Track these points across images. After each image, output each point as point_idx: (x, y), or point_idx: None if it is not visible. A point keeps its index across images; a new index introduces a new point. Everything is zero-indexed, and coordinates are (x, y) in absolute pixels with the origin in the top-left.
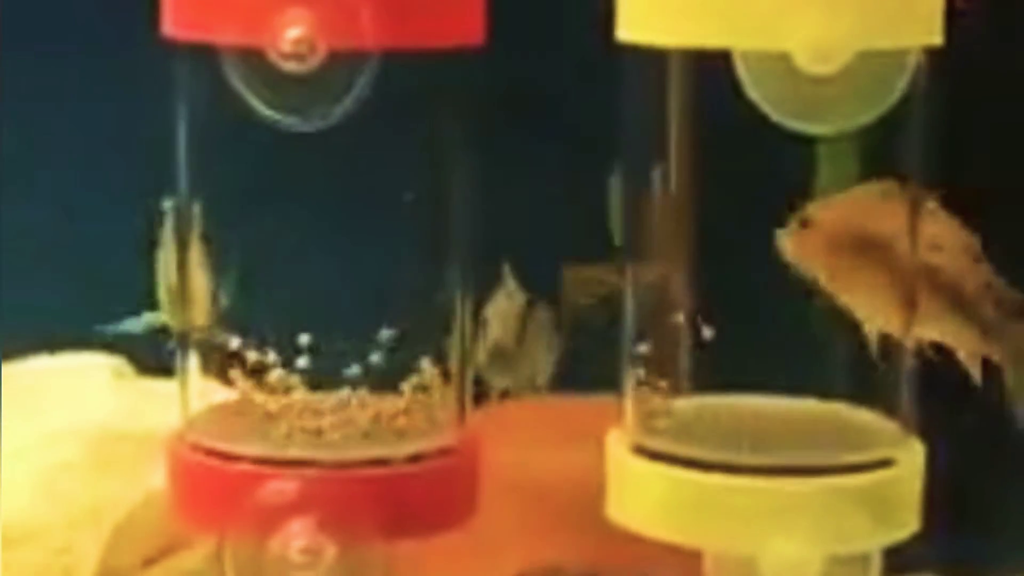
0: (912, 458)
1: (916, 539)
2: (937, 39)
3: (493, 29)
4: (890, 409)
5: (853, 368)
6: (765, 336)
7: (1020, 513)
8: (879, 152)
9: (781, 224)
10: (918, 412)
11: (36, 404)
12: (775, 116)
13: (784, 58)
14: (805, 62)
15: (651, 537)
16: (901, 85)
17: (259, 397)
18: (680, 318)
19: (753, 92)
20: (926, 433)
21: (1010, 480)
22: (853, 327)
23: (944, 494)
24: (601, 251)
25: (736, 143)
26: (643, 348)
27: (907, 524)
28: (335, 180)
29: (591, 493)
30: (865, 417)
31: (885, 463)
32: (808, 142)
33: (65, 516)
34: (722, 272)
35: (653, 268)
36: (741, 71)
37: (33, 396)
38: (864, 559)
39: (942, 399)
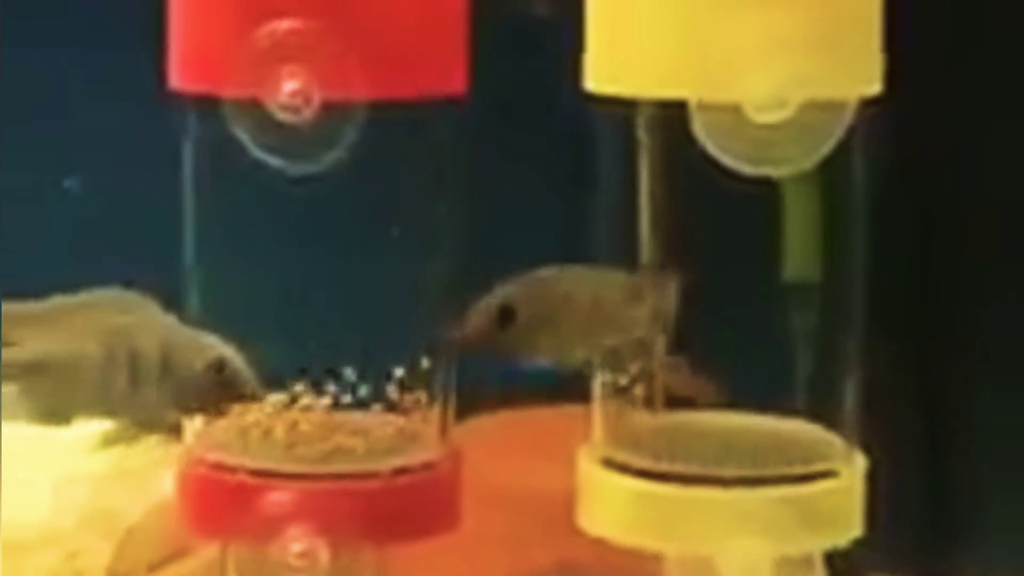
0: (854, 470)
1: (889, 542)
2: (876, 88)
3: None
4: (836, 424)
5: (807, 386)
6: (728, 356)
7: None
8: (836, 189)
9: (748, 255)
10: (864, 425)
11: None
12: (727, 161)
13: (735, 108)
14: (754, 112)
15: (618, 543)
16: (840, 129)
17: (257, 415)
18: (649, 339)
19: (705, 139)
20: (874, 444)
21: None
22: (810, 348)
23: (908, 499)
24: None
25: (705, 183)
26: (613, 369)
27: (849, 529)
28: (322, 211)
29: (569, 503)
30: (814, 432)
31: (829, 474)
32: (773, 183)
33: (76, 521)
34: (689, 294)
35: (625, 288)
36: (695, 120)
37: None
38: (808, 560)
39: (889, 411)
